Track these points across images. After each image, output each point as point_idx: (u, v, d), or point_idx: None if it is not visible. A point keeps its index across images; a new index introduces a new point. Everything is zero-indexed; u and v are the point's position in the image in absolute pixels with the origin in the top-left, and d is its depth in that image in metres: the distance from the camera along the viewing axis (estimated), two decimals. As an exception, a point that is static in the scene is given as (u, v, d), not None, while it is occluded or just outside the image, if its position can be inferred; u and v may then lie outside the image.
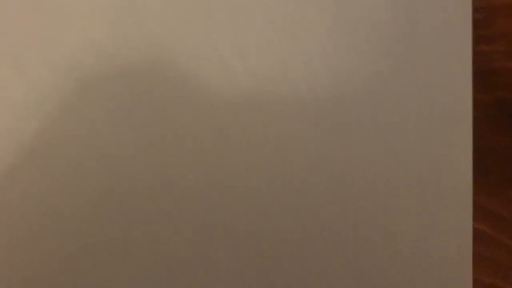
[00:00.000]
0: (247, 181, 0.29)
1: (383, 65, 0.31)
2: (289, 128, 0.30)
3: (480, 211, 0.31)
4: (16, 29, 0.27)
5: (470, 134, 0.31)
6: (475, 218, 0.30)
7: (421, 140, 0.31)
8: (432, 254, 0.30)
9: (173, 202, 0.29)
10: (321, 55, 0.30)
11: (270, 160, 0.30)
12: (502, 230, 0.30)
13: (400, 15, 0.31)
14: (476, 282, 0.30)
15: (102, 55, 0.28)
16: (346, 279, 0.30)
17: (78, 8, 0.28)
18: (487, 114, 0.31)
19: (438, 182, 0.31)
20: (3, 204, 0.27)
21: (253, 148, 0.29)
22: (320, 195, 0.30)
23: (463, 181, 0.31)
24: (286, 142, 0.30)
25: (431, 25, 0.32)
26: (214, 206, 0.29)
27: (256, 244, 0.29)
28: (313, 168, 0.30)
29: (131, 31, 0.28)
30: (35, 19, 0.28)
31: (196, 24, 0.29)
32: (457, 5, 0.32)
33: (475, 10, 0.32)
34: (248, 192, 0.29)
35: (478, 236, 0.30)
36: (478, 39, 0.32)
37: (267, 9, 0.30)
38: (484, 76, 0.31)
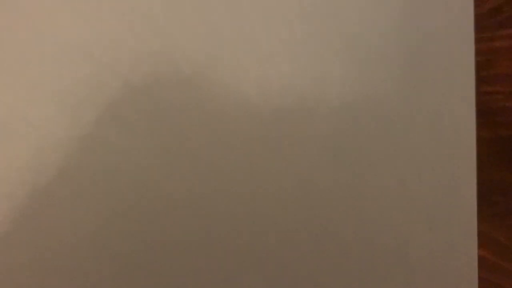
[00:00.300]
0: (269, 188, 0.33)
1: (395, 110, 0.34)
2: (298, 142, 0.33)
3: (484, 239, 0.33)
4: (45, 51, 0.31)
5: (474, 169, 0.34)
6: (480, 246, 0.33)
7: (429, 174, 0.34)
8: (440, 279, 0.33)
9: (197, 210, 0.32)
10: (333, 79, 0.34)
11: (288, 168, 0.33)
12: (504, 257, 0.33)
13: (407, 59, 0.34)
14: (481, 304, 0.33)
15: (126, 73, 0.32)
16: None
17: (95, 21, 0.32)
18: (490, 150, 0.34)
19: (445, 213, 0.34)
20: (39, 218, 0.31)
21: (269, 153, 0.33)
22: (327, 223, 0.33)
23: (468, 211, 0.34)
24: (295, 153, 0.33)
25: (437, 68, 0.35)
26: (237, 214, 0.32)
27: (283, 259, 0.32)
28: (325, 195, 0.33)
29: (157, 49, 0.32)
30: (62, 42, 0.31)
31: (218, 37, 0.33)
32: (460, 49, 0.35)
33: (477, 53, 0.35)
34: (274, 200, 0.33)
35: (482, 263, 0.33)
36: (481, 80, 0.34)
37: (285, 27, 0.33)
38: (486, 115, 0.34)
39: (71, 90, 0.31)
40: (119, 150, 0.32)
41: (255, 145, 0.33)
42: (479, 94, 0.34)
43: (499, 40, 0.34)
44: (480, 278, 0.33)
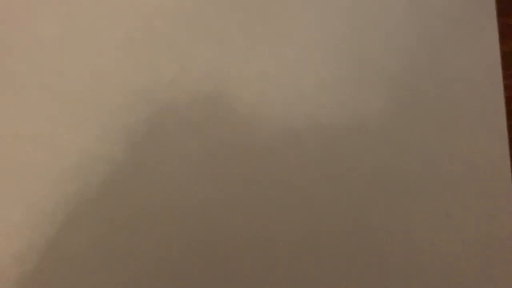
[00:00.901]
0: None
1: (433, 143, 0.36)
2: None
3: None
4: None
5: (510, 199, 0.35)
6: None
7: (469, 204, 0.35)
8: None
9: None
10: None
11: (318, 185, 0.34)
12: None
13: (442, 95, 0.37)
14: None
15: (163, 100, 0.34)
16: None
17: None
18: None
19: (487, 240, 0.35)
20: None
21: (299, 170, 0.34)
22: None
23: (509, 239, 0.35)
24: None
25: (470, 102, 0.37)
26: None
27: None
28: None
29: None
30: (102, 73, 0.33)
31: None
32: (488, 76, 0.37)
33: (506, 88, 0.37)
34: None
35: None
36: (510, 114, 0.36)
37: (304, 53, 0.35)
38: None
39: (135, 129, 0.33)
40: (179, 184, 0.33)
41: (304, 178, 0.34)
42: (510, 126, 0.36)
43: (525, 76, 0.37)
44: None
